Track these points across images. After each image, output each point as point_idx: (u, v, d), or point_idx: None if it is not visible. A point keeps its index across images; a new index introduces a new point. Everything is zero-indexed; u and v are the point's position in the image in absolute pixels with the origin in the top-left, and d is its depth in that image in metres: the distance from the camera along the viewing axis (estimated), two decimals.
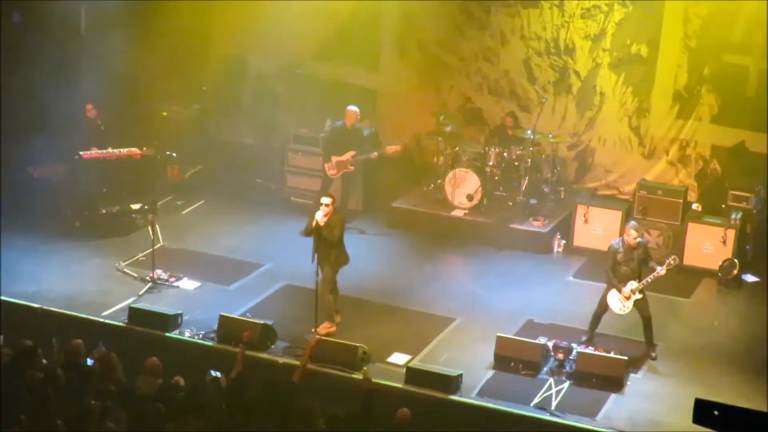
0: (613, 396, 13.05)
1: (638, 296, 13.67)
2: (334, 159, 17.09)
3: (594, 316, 14.01)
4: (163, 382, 11.57)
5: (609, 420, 12.61)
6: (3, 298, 14.26)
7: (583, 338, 13.98)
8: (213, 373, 11.79)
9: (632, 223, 14.14)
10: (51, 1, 18.26)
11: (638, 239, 13.69)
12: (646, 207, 16.63)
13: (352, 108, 17.19)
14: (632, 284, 13.61)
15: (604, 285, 13.99)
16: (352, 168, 17.16)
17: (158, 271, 15.34)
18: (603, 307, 13.91)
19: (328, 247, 13.90)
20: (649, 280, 13.59)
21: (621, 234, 14.55)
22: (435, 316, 14.76)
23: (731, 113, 17.43)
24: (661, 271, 13.51)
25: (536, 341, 13.80)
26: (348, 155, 17.05)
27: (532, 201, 17.46)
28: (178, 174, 18.48)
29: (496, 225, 17.07)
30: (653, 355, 13.85)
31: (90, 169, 16.84)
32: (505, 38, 18.56)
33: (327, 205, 13.85)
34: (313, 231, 13.86)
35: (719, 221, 16.29)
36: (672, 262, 13.61)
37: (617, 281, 13.69)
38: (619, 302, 13.70)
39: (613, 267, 13.76)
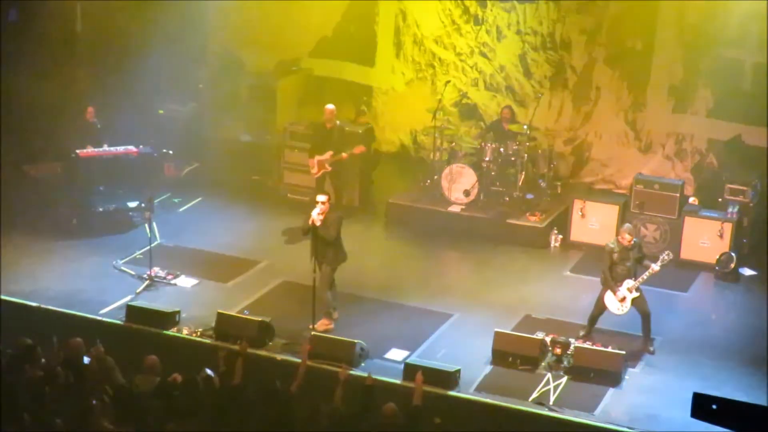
0: (611, 390, 13.06)
1: (635, 294, 13.68)
2: (316, 158, 17.02)
3: (591, 317, 14.00)
4: (161, 379, 11.56)
5: (607, 414, 12.63)
6: (1, 296, 14.25)
7: (581, 333, 13.99)
8: (207, 371, 11.76)
9: (627, 225, 14.17)
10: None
11: (633, 240, 13.72)
12: (642, 201, 16.63)
13: (329, 106, 17.08)
14: (628, 283, 13.62)
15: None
16: (330, 168, 17.02)
17: (156, 269, 15.34)
18: (600, 309, 13.91)
19: (326, 245, 13.90)
20: (644, 278, 13.60)
21: (617, 229, 14.57)
22: (433, 312, 14.77)
23: (727, 107, 17.45)
24: (655, 267, 13.52)
25: (534, 336, 13.80)
26: (327, 155, 16.95)
27: (529, 196, 17.46)
28: (174, 171, 18.47)
29: (493, 220, 17.08)
30: (651, 349, 13.86)
31: (87, 167, 16.82)
32: (501, 33, 18.57)
33: (323, 203, 13.83)
34: (310, 229, 13.86)
35: (716, 215, 16.30)
36: (666, 257, 13.62)
37: (614, 281, 13.70)
38: (617, 302, 13.71)
39: (609, 267, 13.77)
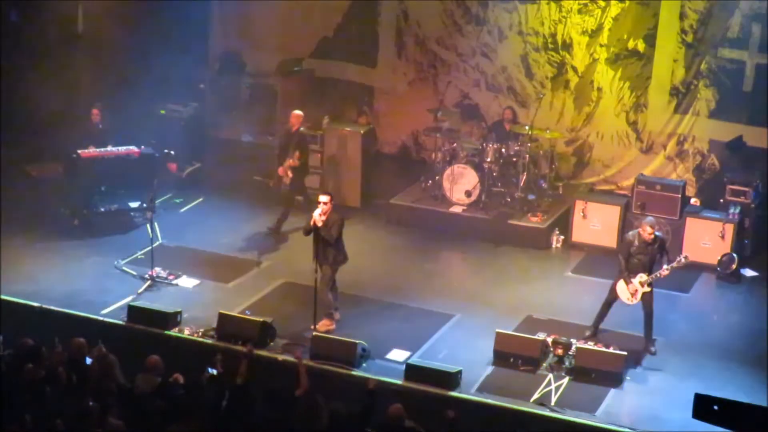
0: (612, 391, 13.06)
1: (647, 289, 13.68)
2: (286, 164, 16.76)
3: (603, 304, 13.95)
4: (162, 380, 11.57)
5: (609, 415, 12.62)
6: (2, 297, 14.25)
7: (587, 333, 13.96)
8: (210, 370, 11.77)
9: (649, 219, 14.06)
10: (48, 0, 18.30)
11: (654, 234, 13.68)
12: (644, 202, 16.63)
13: (296, 112, 16.87)
14: (641, 276, 13.61)
15: (603, 280, 14.03)
16: (291, 175, 16.76)
17: (157, 269, 15.34)
18: (613, 295, 13.90)
19: (327, 246, 13.89)
20: (659, 276, 13.58)
21: (619, 230, 14.55)
22: (434, 313, 14.76)
23: (728, 108, 17.46)
24: (669, 268, 13.52)
25: (535, 337, 13.80)
26: (288, 161, 16.72)
27: (531, 197, 17.45)
28: (176, 171, 18.46)
29: (495, 221, 17.07)
30: (652, 350, 13.86)
31: (88, 167, 16.82)
32: (502, 34, 18.57)
33: (325, 203, 13.82)
34: (312, 230, 13.85)
35: (718, 216, 16.31)
36: (683, 260, 13.62)
37: (628, 272, 13.70)
38: (628, 292, 13.72)
39: (626, 257, 13.75)
